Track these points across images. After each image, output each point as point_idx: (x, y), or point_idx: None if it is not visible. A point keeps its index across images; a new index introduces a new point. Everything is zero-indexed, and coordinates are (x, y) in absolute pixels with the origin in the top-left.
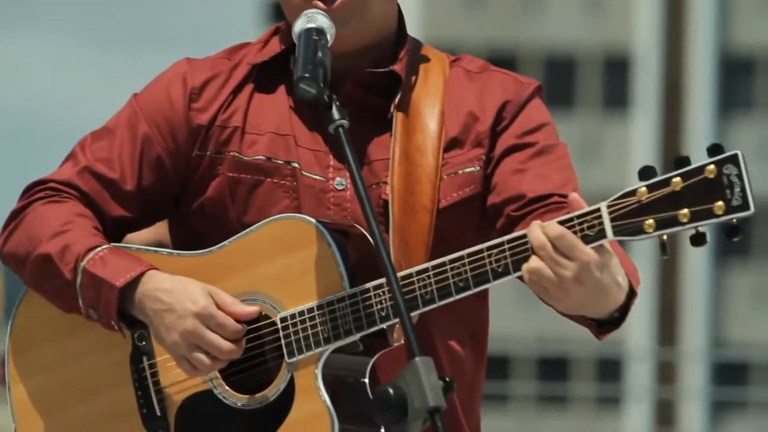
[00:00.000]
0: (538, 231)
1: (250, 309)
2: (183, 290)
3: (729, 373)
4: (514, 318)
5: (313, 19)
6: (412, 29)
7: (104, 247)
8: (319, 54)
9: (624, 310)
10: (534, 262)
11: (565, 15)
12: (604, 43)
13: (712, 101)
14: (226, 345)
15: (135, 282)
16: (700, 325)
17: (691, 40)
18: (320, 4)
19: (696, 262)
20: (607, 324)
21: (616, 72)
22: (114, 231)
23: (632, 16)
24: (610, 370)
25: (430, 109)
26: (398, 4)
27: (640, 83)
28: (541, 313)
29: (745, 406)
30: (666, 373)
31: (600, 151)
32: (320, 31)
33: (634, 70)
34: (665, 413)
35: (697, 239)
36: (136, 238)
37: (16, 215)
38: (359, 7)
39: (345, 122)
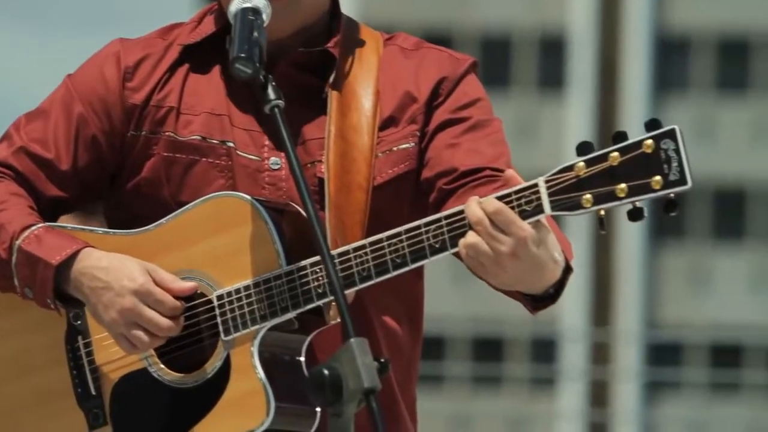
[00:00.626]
0: (476, 206)
1: (188, 285)
2: (120, 267)
3: (663, 354)
4: (449, 298)
5: None
6: (348, 9)
7: (39, 225)
8: (255, 34)
9: (559, 286)
10: (471, 237)
11: None
12: (539, 23)
13: (648, 81)
14: (165, 322)
15: (71, 260)
16: (635, 305)
17: (626, 20)
18: None
19: (630, 243)
20: (542, 299)
21: (552, 52)
22: (49, 211)
23: None
24: (545, 350)
25: (364, 88)
26: None
27: (576, 63)
28: (476, 293)
29: (679, 386)
30: (600, 353)
31: (536, 132)
32: (256, 11)
33: (570, 50)
34: (599, 394)
35: (635, 214)
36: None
37: None
38: (296, 1)
39: (281, 102)
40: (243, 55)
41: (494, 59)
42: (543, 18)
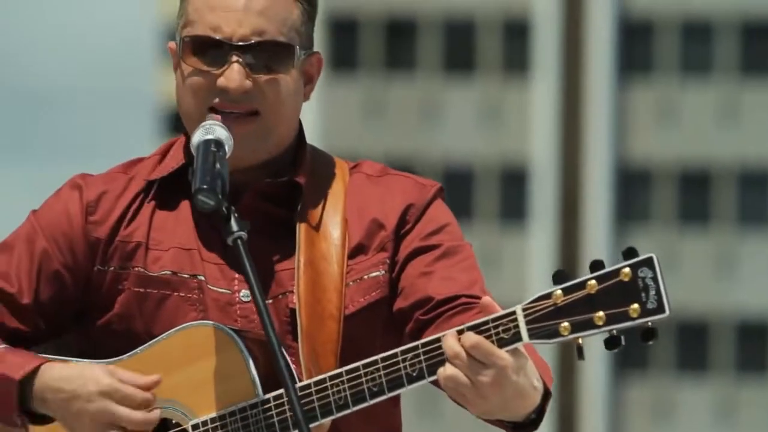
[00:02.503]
0: (453, 340)
1: (152, 378)
2: (82, 373)
3: None
4: (415, 424)
5: (211, 130)
6: (311, 137)
7: (1, 346)
8: (218, 166)
9: (540, 411)
10: (450, 369)
11: (463, 126)
12: (501, 155)
13: (610, 212)
14: (138, 415)
15: (33, 375)
16: None
17: (588, 149)
18: (219, 117)
19: (594, 373)
20: (523, 426)
21: (514, 184)
22: (9, 343)
23: (529, 128)
24: None
25: (332, 216)
26: None
27: (538, 195)
28: (443, 418)
29: None
30: None
31: (499, 264)
32: (218, 143)
33: (532, 182)
34: None
35: (612, 342)
36: None
37: None
38: (264, 133)
39: (244, 234)
40: (205, 186)
41: (456, 190)
42: (505, 150)
